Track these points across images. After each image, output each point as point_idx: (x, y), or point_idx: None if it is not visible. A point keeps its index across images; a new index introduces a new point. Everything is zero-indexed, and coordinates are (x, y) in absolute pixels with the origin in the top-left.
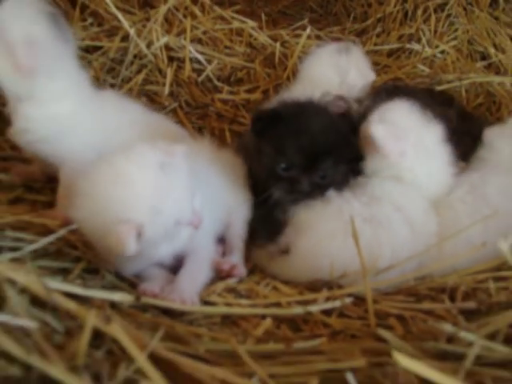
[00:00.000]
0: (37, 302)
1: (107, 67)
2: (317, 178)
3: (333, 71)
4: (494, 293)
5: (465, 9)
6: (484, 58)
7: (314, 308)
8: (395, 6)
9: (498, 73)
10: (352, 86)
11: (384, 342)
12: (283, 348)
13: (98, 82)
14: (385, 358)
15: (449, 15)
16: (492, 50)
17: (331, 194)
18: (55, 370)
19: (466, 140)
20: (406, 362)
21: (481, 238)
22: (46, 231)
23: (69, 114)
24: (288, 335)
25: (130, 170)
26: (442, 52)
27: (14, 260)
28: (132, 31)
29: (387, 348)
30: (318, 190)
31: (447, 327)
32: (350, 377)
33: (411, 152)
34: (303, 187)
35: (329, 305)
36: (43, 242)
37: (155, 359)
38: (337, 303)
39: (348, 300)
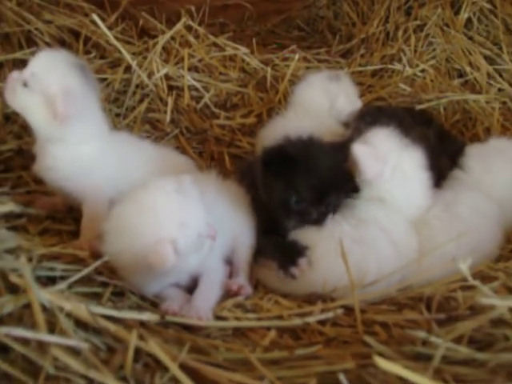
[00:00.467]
0: (80, 324)
1: (112, 98)
2: (323, 208)
3: (323, 97)
4: (461, 301)
5: (442, 29)
6: (461, 75)
7: (311, 319)
8: (377, 27)
9: (473, 90)
10: (340, 111)
11: (370, 346)
12: (287, 355)
13: (104, 112)
14: (370, 361)
15: (427, 35)
16: (468, 69)
17: None
18: (112, 381)
19: (443, 159)
20: (383, 363)
21: (454, 252)
22: (75, 260)
23: (93, 154)
24: (290, 343)
25: (153, 199)
26: (422, 71)
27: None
28: (134, 64)
29: (372, 352)
30: (322, 217)
31: (421, 333)
32: (342, 377)
33: (389, 174)
34: (313, 217)
35: (323, 315)
36: (84, 272)
37: (184, 368)
38: (330, 314)
39: (340, 311)
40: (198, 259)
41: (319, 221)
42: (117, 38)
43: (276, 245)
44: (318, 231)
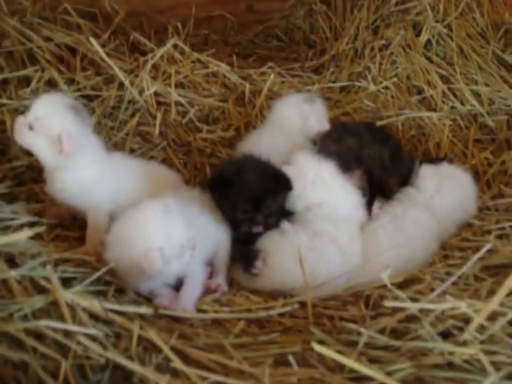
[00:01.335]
0: (91, 316)
1: (107, 113)
2: (266, 210)
3: (297, 115)
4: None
5: (404, 49)
6: (419, 92)
7: (273, 312)
8: (347, 44)
9: (430, 106)
10: (310, 130)
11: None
12: (252, 340)
13: (100, 126)
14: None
15: (391, 54)
16: (425, 87)
17: (286, 226)
18: (123, 360)
19: (392, 178)
20: (318, 348)
21: (393, 259)
22: (83, 263)
23: (94, 175)
24: (255, 331)
25: (144, 217)
26: (385, 88)
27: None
28: (127, 82)
29: (315, 339)
30: (271, 218)
31: (352, 325)
32: (290, 358)
33: (311, 184)
34: (259, 220)
35: (283, 309)
36: (96, 275)
37: (174, 350)
38: (288, 308)
39: (296, 305)
40: (180, 265)
41: (270, 220)
42: (109, 55)
43: (239, 252)
44: (280, 240)
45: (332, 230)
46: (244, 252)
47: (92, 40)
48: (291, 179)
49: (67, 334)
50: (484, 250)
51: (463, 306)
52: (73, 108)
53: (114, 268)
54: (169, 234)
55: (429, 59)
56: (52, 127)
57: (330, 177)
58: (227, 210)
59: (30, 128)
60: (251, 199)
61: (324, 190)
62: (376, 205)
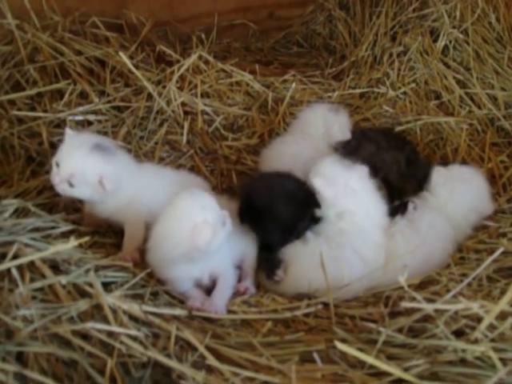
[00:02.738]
0: (131, 317)
1: (137, 123)
2: (297, 231)
3: (321, 123)
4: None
5: (422, 55)
6: (437, 97)
7: (298, 312)
8: (366, 51)
9: (447, 111)
10: (332, 138)
11: (337, 333)
12: (279, 339)
13: (131, 136)
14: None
15: (409, 60)
16: (443, 92)
17: (308, 235)
18: (163, 358)
19: (410, 183)
20: (341, 346)
21: (411, 261)
22: (121, 269)
23: (129, 192)
24: (282, 331)
25: (178, 205)
26: (404, 93)
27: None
28: (155, 93)
29: (338, 338)
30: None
31: (372, 325)
32: (315, 355)
33: (342, 194)
34: (292, 240)
35: (307, 310)
36: (135, 280)
37: (208, 349)
38: (312, 308)
39: (320, 306)
40: (223, 236)
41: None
42: (137, 67)
43: (263, 259)
44: (302, 249)
45: (355, 241)
46: (267, 259)
47: (121, 54)
48: (318, 196)
49: (110, 334)
50: (498, 252)
51: (475, 307)
52: (98, 147)
53: (153, 271)
54: (205, 206)
55: (446, 64)
56: (90, 177)
57: (358, 183)
58: (261, 237)
59: (70, 185)
60: (284, 229)
61: (353, 196)
62: (411, 206)
